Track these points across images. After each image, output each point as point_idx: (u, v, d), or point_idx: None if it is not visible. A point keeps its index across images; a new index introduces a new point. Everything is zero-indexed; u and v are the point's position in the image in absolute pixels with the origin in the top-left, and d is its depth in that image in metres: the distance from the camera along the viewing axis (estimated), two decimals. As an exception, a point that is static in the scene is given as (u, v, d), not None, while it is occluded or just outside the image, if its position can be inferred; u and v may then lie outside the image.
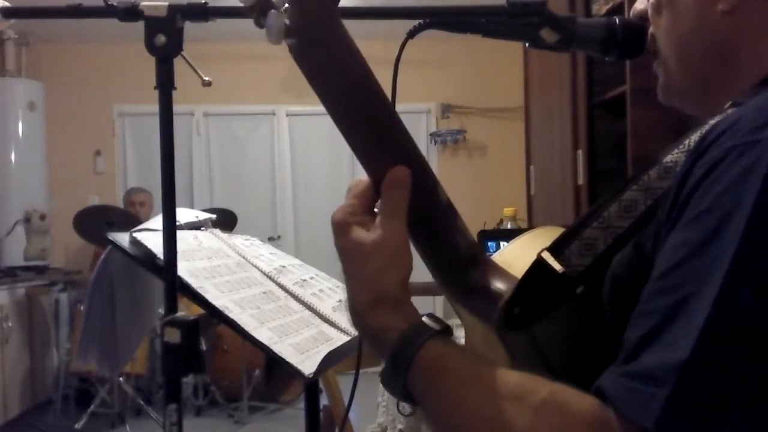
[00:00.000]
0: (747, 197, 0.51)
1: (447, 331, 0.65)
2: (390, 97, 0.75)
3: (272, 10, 0.63)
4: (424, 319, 0.65)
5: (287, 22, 0.63)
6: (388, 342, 0.64)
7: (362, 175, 0.70)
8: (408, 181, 0.66)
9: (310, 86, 0.66)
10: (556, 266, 0.64)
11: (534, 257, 0.65)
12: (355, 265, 0.66)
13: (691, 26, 0.70)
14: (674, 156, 0.63)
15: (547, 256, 0.65)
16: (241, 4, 0.66)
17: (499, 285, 0.69)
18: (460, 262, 0.70)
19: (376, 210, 0.68)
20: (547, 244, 0.66)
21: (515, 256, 0.75)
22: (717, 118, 0.61)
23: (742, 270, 0.50)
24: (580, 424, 0.55)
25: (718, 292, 0.50)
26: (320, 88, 0.66)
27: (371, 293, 0.66)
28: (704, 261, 0.52)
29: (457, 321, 0.83)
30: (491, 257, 0.75)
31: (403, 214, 0.66)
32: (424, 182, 0.67)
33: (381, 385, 0.67)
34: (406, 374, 0.62)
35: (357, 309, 0.67)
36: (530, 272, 0.65)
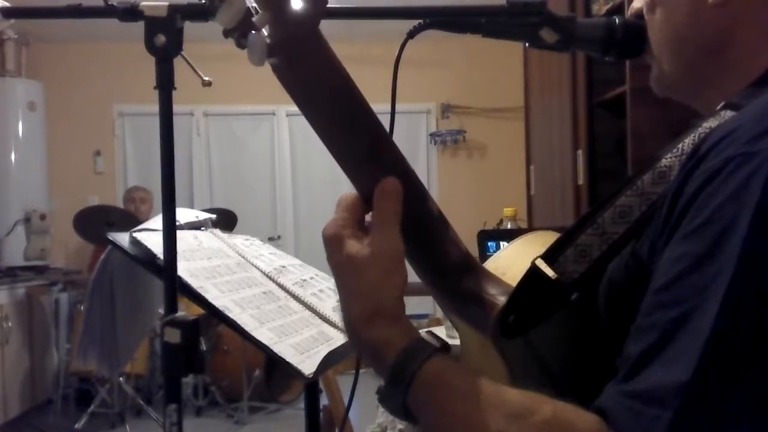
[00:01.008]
0: (746, 210, 0.50)
1: (446, 347, 0.64)
2: (390, 99, 0.75)
3: (253, 31, 0.63)
4: (422, 335, 0.64)
5: (269, 41, 0.62)
6: (386, 358, 0.63)
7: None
8: (399, 191, 0.65)
9: (295, 103, 0.65)
10: (551, 273, 0.64)
11: (528, 263, 0.65)
12: (350, 278, 0.65)
13: (685, 21, 0.71)
14: (668, 161, 0.62)
15: (541, 264, 0.64)
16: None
17: (492, 292, 0.68)
18: (453, 270, 0.69)
19: (367, 223, 0.67)
20: (541, 249, 0.66)
21: (509, 263, 0.74)
22: (712, 122, 0.61)
23: (743, 284, 0.49)
24: None
25: (719, 308, 0.49)
26: (305, 105, 0.65)
27: (367, 307, 0.64)
28: (704, 275, 0.51)
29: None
30: (485, 264, 0.74)
31: (395, 225, 0.65)
32: (413, 192, 0.67)
33: (379, 403, 0.66)
34: (406, 391, 0.61)
35: (353, 323, 0.65)
36: (525, 280, 0.64)
